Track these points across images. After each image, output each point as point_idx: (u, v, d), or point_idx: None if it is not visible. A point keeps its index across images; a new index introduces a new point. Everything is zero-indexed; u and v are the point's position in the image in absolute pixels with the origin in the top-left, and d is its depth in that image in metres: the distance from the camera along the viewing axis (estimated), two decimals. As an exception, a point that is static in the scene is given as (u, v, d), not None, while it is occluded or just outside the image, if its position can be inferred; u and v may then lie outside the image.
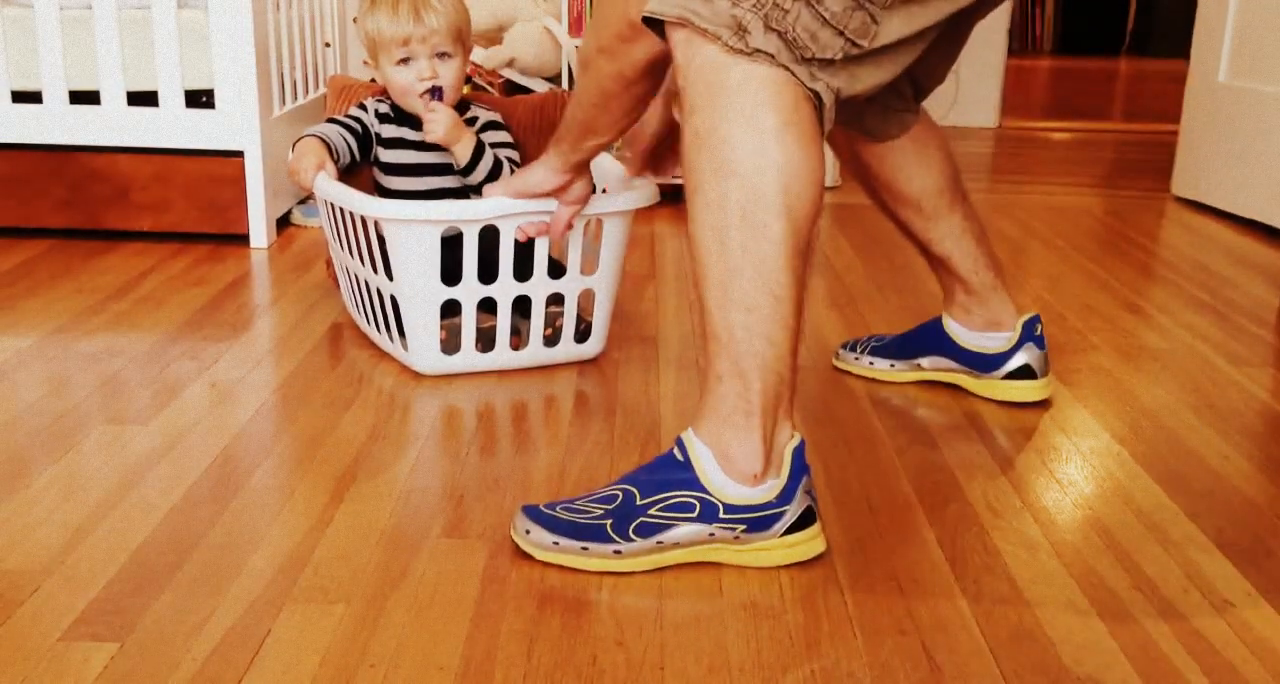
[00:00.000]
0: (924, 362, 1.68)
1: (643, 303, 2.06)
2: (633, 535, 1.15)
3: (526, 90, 2.90)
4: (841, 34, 1.10)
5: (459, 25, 1.76)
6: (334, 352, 1.79)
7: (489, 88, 2.81)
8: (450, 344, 1.67)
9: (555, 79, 2.92)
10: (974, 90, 4.38)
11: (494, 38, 2.88)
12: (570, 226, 1.61)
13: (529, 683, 0.99)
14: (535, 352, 1.72)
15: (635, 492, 1.17)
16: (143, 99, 2.35)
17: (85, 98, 2.34)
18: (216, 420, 1.52)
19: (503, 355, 1.70)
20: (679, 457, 1.17)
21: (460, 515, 1.28)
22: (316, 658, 1.01)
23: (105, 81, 2.32)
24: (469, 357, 1.68)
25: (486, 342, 1.68)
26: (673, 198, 2.66)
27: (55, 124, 2.34)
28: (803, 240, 1.13)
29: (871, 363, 1.71)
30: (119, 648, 1.02)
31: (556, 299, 1.70)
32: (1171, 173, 3.15)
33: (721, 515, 1.15)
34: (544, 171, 1.51)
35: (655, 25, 1.15)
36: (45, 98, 2.33)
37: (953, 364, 1.65)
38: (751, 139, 1.09)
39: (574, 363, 1.76)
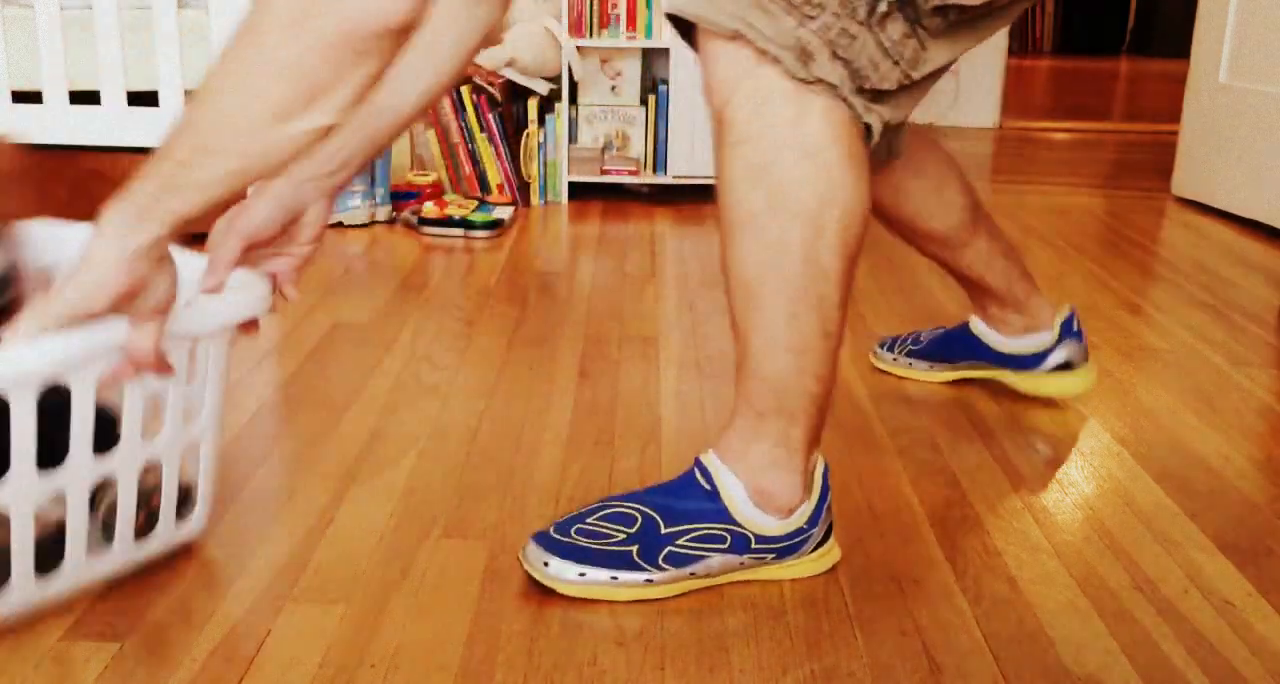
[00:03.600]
0: (962, 364, 1.68)
1: (643, 303, 2.06)
2: (664, 565, 1.11)
3: (527, 90, 2.90)
4: (898, 64, 1.05)
5: None
6: (335, 351, 1.79)
7: (489, 87, 2.81)
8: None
9: (555, 79, 2.92)
10: (974, 90, 4.38)
11: (493, 38, 2.88)
12: (161, 359, 0.99)
13: (530, 683, 0.99)
14: (115, 555, 1.10)
15: (658, 519, 1.12)
16: (143, 99, 2.35)
17: (85, 98, 2.34)
18: (217, 420, 1.51)
19: (73, 574, 1.07)
20: (705, 485, 1.13)
21: (460, 516, 1.28)
22: (317, 658, 1.01)
23: (105, 81, 2.32)
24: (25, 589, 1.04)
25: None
26: (672, 196, 2.65)
27: (56, 124, 2.34)
28: (853, 275, 1.09)
29: (910, 365, 1.71)
30: (119, 648, 1.02)
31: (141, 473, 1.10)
32: (1172, 173, 3.15)
33: (753, 546, 1.13)
34: (103, 268, 0.91)
35: (684, 28, 1.07)
36: (45, 98, 2.33)
37: (992, 366, 1.66)
38: (817, 177, 1.02)
39: (571, 366, 1.75)
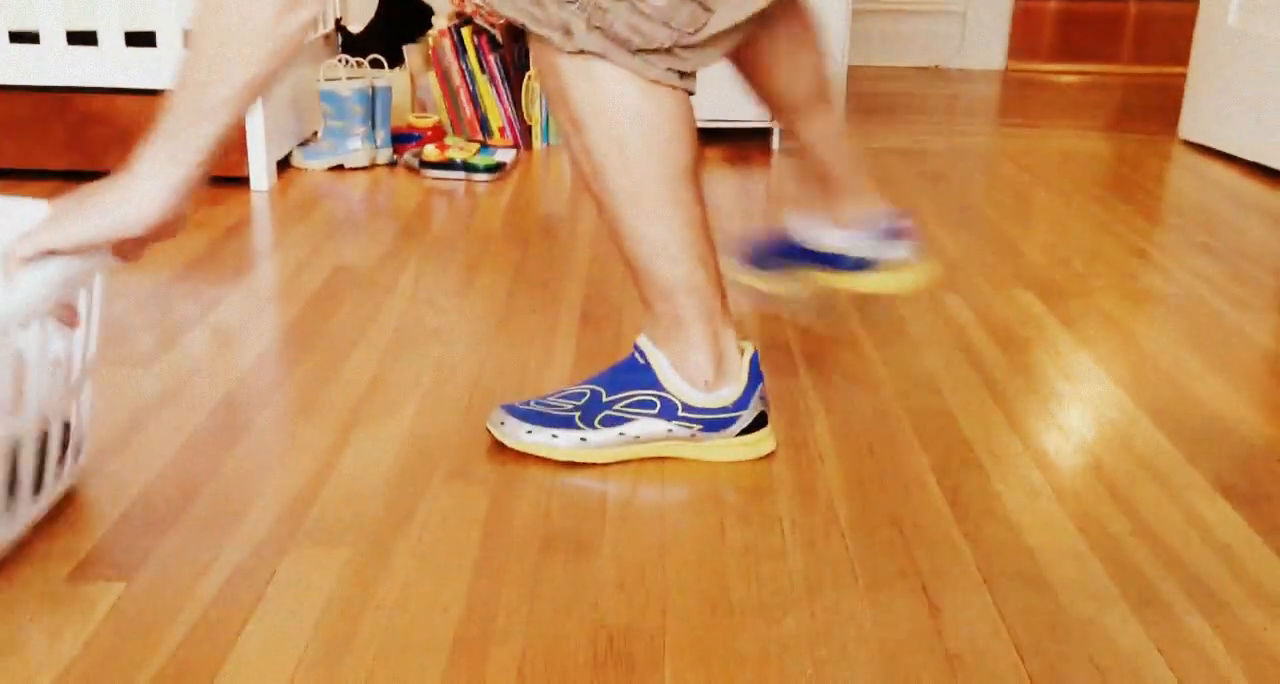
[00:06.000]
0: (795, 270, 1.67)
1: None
2: (598, 425, 1.27)
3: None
4: (668, 25, 1.15)
5: None
6: (337, 295, 1.78)
7: (491, 28, 2.78)
8: None
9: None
10: (981, 33, 4.33)
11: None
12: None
13: (532, 626, 1.00)
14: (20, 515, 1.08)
15: (602, 390, 1.29)
16: (141, 39, 2.33)
17: (83, 38, 2.32)
18: (220, 364, 1.52)
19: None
20: (640, 360, 1.29)
21: (464, 460, 1.28)
22: (321, 600, 1.02)
23: (103, 22, 2.29)
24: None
25: None
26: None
27: (53, 65, 2.31)
28: (691, 178, 1.22)
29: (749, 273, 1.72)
30: (125, 588, 1.03)
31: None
32: (1179, 116, 3.12)
33: (680, 413, 1.27)
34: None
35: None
36: (42, 38, 2.31)
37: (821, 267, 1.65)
38: (614, 122, 1.18)
39: (573, 310, 1.75)
